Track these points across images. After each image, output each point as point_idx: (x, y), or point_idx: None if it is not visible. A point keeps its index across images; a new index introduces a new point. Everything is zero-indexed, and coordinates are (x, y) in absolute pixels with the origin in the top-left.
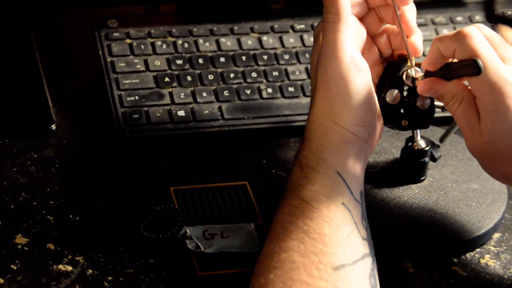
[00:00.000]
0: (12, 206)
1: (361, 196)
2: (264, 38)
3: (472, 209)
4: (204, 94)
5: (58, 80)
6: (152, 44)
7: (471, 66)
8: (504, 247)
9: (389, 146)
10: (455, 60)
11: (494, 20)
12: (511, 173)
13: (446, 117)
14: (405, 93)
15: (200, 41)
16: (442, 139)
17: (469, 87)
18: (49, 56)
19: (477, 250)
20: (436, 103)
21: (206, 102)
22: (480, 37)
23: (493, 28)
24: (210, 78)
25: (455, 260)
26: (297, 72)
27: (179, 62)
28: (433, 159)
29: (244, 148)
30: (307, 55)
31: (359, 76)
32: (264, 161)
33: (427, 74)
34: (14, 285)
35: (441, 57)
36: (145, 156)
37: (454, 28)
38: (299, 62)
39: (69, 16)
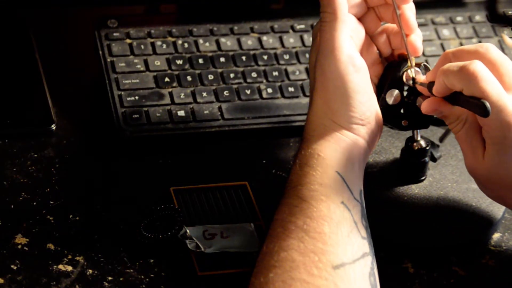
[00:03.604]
0: (12, 206)
1: (361, 195)
2: (264, 38)
3: (472, 209)
4: (204, 94)
5: (58, 80)
6: (152, 44)
7: (479, 107)
8: (504, 247)
9: (389, 146)
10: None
11: (496, 19)
12: (507, 197)
13: None
14: (405, 93)
15: (200, 41)
16: (442, 139)
17: None
18: (49, 56)
19: (477, 250)
20: None
21: (206, 102)
22: (487, 75)
23: (494, 28)
24: (210, 78)
25: (455, 260)
26: (297, 72)
27: (179, 62)
28: (433, 159)
29: (244, 148)
30: (307, 55)
31: (357, 75)
32: (264, 161)
33: (431, 87)
34: (14, 285)
35: (448, 89)
36: (145, 156)
37: (454, 29)
38: (299, 62)
39: (69, 16)
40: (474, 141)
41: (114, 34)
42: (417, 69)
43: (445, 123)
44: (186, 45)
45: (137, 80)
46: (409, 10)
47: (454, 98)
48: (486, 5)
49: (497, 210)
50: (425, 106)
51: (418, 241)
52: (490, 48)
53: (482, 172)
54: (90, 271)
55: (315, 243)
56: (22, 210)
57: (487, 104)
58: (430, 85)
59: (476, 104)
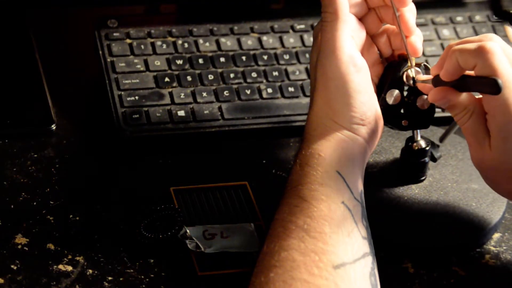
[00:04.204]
0: (12, 206)
1: (361, 195)
2: (264, 38)
3: (472, 209)
4: (204, 94)
5: (58, 80)
6: (152, 44)
7: (490, 85)
8: (504, 247)
9: (389, 146)
10: (472, 73)
11: (500, 16)
12: None
13: (446, 117)
14: (405, 93)
15: (200, 41)
16: (442, 139)
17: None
18: (49, 56)
19: (477, 250)
20: None
21: (206, 102)
22: (502, 55)
23: (494, 28)
24: (210, 78)
25: (455, 260)
26: (297, 72)
27: (179, 62)
28: (433, 159)
29: (244, 148)
30: (307, 55)
31: (358, 75)
32: (264, 161)
33: (436, 81)
34: (14, 285)
35: (459, 69)
36: (145, 156)
37: (454, 29)
38: (299, 62)
39: (69, 16)
40: (480, 132)
41: (114, 34)
42: (417, 69)
43: (445, 123)
44: (186, 45)
45: (137, 80)
46: (408, 12)
47: (462, 83)
48: (490, 3)
49: (497, 210)
50: (433, 95)
51: (418, 241)
52: (494, 38)
53: (489, 163)
54: (90, 271)
55: (315, 243)
56: (22, 210)
57: (499, 81)
58: (435, 79)
59: (487, 82)
